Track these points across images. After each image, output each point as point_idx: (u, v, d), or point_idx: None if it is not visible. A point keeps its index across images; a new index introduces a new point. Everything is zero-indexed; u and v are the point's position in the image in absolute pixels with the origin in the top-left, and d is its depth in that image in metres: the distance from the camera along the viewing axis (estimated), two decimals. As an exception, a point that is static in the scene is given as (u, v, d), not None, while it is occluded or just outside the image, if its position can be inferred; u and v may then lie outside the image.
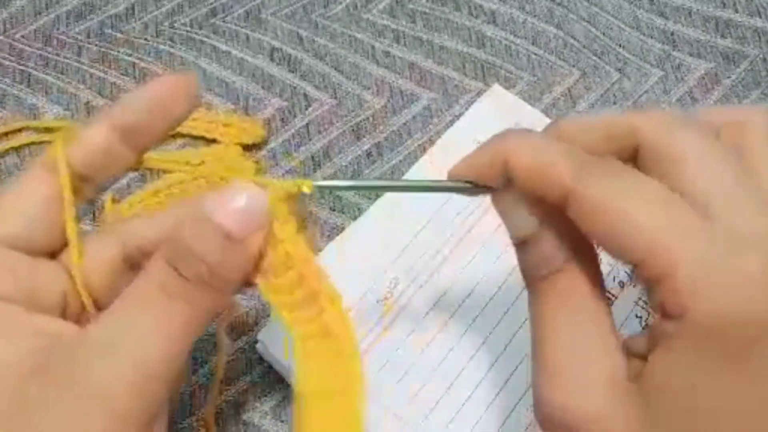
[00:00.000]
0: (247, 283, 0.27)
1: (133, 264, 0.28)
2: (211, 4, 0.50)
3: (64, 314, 0.27)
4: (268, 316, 0.39)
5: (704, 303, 0.21)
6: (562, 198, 0.24)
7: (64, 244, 0.28)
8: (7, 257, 0.26)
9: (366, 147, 0.45)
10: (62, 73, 0.46)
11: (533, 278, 0.26)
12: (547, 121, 0.46)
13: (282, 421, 0.37)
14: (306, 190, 0.26)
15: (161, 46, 0.48)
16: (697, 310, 0.21)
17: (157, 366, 0.25)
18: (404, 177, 0.43)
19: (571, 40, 0.50)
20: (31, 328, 0.26)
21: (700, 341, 0.21)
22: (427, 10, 0.50)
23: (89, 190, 0.28)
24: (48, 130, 0.44)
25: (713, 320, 0.21)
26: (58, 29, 0.48)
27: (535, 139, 0.26)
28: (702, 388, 0.22)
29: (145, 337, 0.25)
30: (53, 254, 0.28)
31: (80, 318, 0.28)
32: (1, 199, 0.27)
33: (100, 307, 0.28)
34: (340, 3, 0.50)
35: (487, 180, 0.27)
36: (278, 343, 0.37)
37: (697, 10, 0.51)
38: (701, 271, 0.21)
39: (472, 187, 0.27)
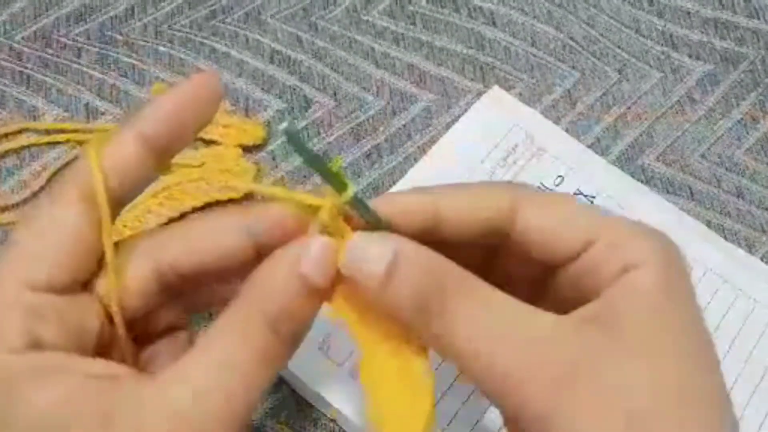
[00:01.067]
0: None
1: (165, 283, 0.26)
2: (211, 5, 0.50)
3: (100, 344, 0.26)
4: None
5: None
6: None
7: (97, 271, 0.26)
8: (47, 303, 0.24)
9: (366, 148, 0.45)
10: (62, 75, 0.46)
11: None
12: (547, 122, 0.46)
13: (281, 422, 0.37)
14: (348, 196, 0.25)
15: (161, 48, 0.48)
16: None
17: (243, 415, 0.23)
18: (404, 178, 0.44)
19: (571, 42, 0.50)
20: (85, 374, 0.23)
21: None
22: (426, 12, 0.50)
23: (119, 211, 0.26)
24: (48, 131, 0.45)
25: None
26: (57, 31, 0.48)
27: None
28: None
29: (234, 400, 0.23)
30: (86, 283, 0.26)
31: (111, 346, 0.26)
32: (33, 236, 0.25)
33: (131, 331, 0.26)
34: (340, 5, 0.50)
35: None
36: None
37: (696, 11, 0.51)
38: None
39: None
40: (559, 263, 0.26)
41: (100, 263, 0.25)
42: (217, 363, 0.23)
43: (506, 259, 0.27)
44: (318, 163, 0.24)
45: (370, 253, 0.24)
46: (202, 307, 0.30)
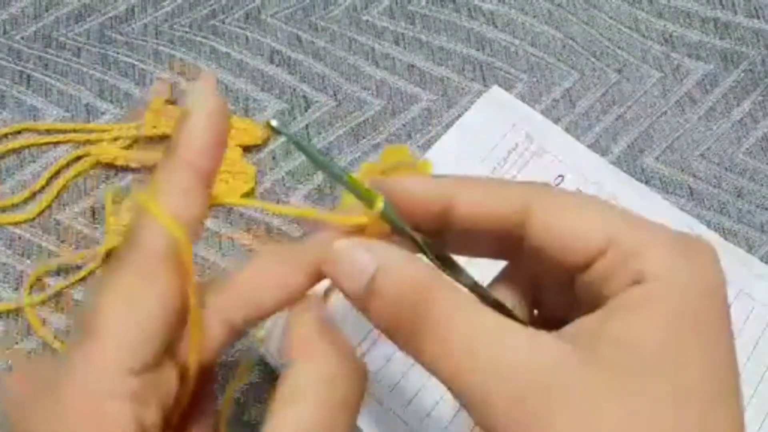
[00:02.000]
0: None
1: (235, 336, 0.26)
2: (211, 5, 0.50)
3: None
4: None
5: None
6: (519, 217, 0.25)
7: (180, 335, 0.24)
8: (148, 385, 0.23)
9: (366, 148, 0.45)
10: (62, 75, 0.46)
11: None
12: (547, 122, 0.46)
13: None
14: (379, 207, 0.24)
15: (161, 48, 0.48)
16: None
17: None
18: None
19: (570, 42, 0.50)
20: None
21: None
22: (426, 12, 0.50)
23: None
24: (48, 131, 0.45)
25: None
26: (58, 31, 0.48)
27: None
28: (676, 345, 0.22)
29: None
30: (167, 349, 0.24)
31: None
32: (123, 314, 0.23)
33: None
34: (340, 5, 0.50)
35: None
36: (278, 343, 0.37)
37: (696, 11, 0.51)
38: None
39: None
40: (575, 268, 0.24)
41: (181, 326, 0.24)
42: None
43: (530, 263, 0.26)
44: (346, 182, 0.24)
45: (352, 266, 0.24)
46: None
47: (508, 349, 0.22)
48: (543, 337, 0.22)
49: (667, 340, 0.21)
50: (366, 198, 0.24)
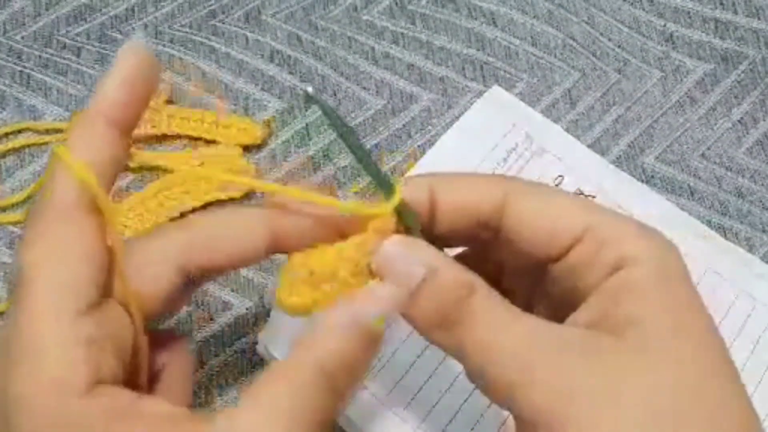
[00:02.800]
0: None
1: (189, 281, 0.26)
2: (211, 5, 0.50)
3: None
4: (268, 316, 0.39)
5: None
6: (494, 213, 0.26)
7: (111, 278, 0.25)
8: (99, 328, 0.23)
9: (366, 148, 0.45)
10: (62, 75, 0.46)
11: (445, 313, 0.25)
12: (547, 121, 0.46)
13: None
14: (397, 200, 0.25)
15: (161, 48, 0.48)
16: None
17: None
18: (404, 178, 0.43)
19: (571, 41, 0.50)
20: (156, 417, 0.23)
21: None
22: (426, 12, 0.50)
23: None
24: (48, 131, 0.45)
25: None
26: (58, 30, 0.48)
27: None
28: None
29: None
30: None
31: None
32: (52, 261, 0.23)
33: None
34: (340, 4, 0.50)
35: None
36: (278, 343, 0.37)
37: (697, 11, 0.51)
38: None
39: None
40: (549, 258, 0.26)
41: (111, 270, 0.25)
42: (271, 417, 0.23)
43: (500, 252, 0.27)
44: (372, 168, 0.25)
45: (405, 265, 0.25)
46: (205, 283, 0.29)
47: (539, 343, 0.23)
48: (567, 330, 0.24)
49: (667, 317, 0.23)
50: (385, 186, 0.25)
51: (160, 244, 0.26)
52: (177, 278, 0.26)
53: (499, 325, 0.24)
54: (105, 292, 0.24)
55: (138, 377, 0.26)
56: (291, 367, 0.24)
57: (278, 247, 0.26)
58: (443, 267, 0.25)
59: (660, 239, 0.25)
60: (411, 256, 0.25)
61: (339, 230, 0.26)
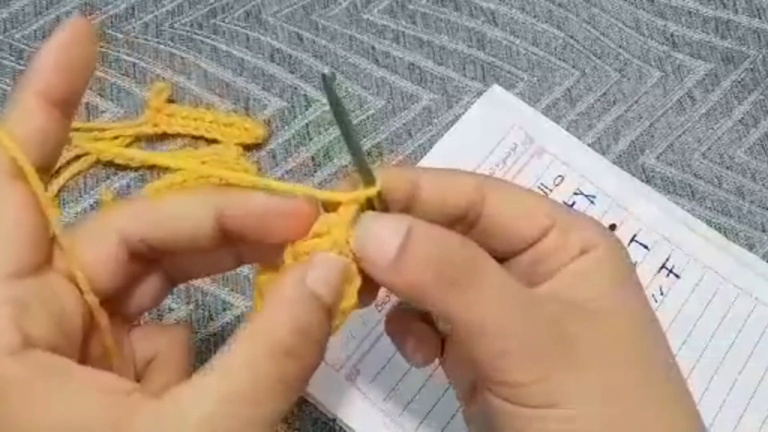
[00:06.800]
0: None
1: (136, 255, 0.26)
2: (212, 4, 0.50)
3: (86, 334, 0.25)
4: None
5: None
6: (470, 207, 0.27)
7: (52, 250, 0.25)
8: (29, 290, 0.23)
9: (366, 147, 0.45)
10: (62, 74, 0.46)
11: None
12: (547, 121, 0.46)
13: (281, 420, 0.37)
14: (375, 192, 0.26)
15: (161, 47, 0.48)
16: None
17: None
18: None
19: (571, 41, 0.50)
20: (97, 386, 0.22)
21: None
22: (427, 11, 0.50)
23: (48, 178, 0.26)
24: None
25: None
26: (58, 29, 0.48)
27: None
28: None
29: (249, 426, 0.23)
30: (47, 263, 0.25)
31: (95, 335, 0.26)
32: None
33: (113, 312, 0.26)
34: (341, 3, 0.50)
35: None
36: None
37: (697, 11, 0.51)
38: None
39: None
40: (521, 247, 0.28)
41: (53, 241, 0.25)
42: (226, 393, 0.22)
43: (478, 236, 0.28)
44: (359, 156, 0.25)
45: (383, 228, 0.25)
46: (181, 280, 0.30)
47: (531, 306, 0.25)
48: (545, 298, 0.26)
49: (623, 291, 0.27)
50: (366, 175, 0.25)
51: (102, 216, 0.27)
52: (121, 251, 0.26)
53: (486, 287, 0.25)
54: (44, 260, 0.24)
55: (97, 355, 0.26)
56: (243, 339, 0.23)
57: (229, 234, 0.26)
58: (426, 225, 0.25)
59: (609, 232, 0.28)
60: (387, 219, 0.25)
61: (302, 220, 0.26)
